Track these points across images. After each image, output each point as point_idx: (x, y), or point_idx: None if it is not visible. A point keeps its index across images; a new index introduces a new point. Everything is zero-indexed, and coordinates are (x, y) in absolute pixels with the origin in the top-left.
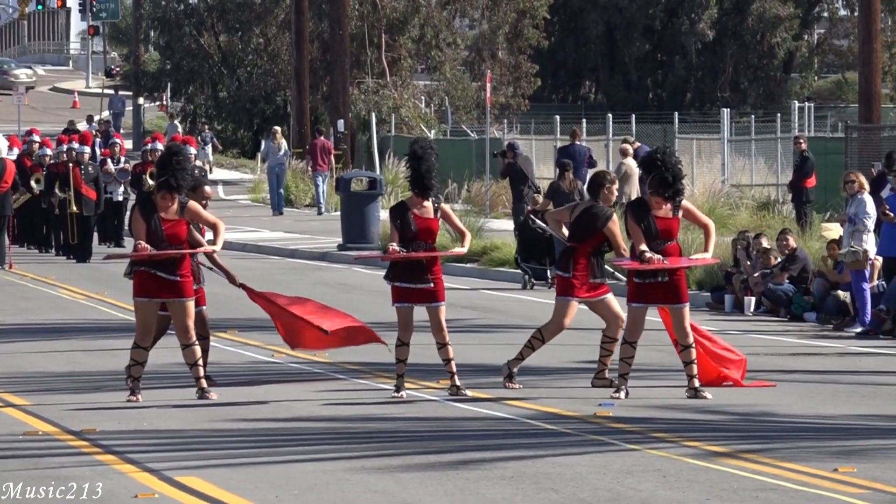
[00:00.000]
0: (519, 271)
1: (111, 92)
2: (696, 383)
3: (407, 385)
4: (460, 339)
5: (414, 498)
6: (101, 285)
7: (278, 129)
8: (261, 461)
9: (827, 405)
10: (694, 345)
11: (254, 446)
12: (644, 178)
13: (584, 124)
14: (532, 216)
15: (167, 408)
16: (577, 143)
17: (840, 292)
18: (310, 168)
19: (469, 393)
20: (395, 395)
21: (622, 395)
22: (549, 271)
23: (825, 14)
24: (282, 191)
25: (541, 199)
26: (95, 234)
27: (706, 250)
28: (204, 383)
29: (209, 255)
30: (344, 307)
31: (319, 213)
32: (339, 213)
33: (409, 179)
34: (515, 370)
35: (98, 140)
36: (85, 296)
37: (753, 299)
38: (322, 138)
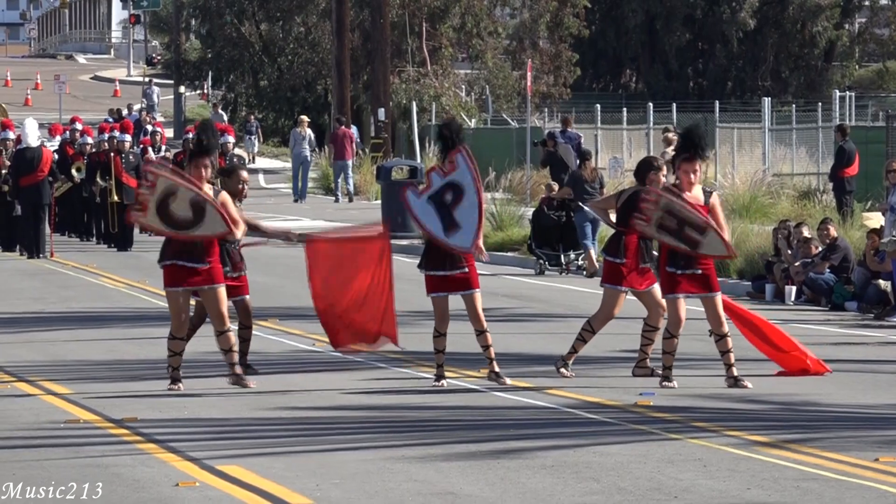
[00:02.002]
0: (542, 259)
1: (146, 80)
2: (735, 371)
3: (447, 374)
4: (501, 328)
5: (454, 487)
6: (142, 274)
7: (304, 118)
8: (302, 450)
9: (868, 395)
10: (729, 333)
11: (295, 435)
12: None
13: (625, 113)
14: (545, 205)
15: (208, 396)
16: (569, 129)
17: (881, 282)
18: (332, 157)
19: (508, 381)
20: (436, 383)
21: (674, 384)
22: (562, 257)
23: (866, 3)
24: (307, 179)
25: (557, 187)
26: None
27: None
28: (238, 369)
29: (256, 231)
30: None
31: (336, 201)
32: (378, 201)
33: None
34: (570, 362)
35: (150, 128)
36: (126, 284)
37: (794, 288)
38: (343, 127)
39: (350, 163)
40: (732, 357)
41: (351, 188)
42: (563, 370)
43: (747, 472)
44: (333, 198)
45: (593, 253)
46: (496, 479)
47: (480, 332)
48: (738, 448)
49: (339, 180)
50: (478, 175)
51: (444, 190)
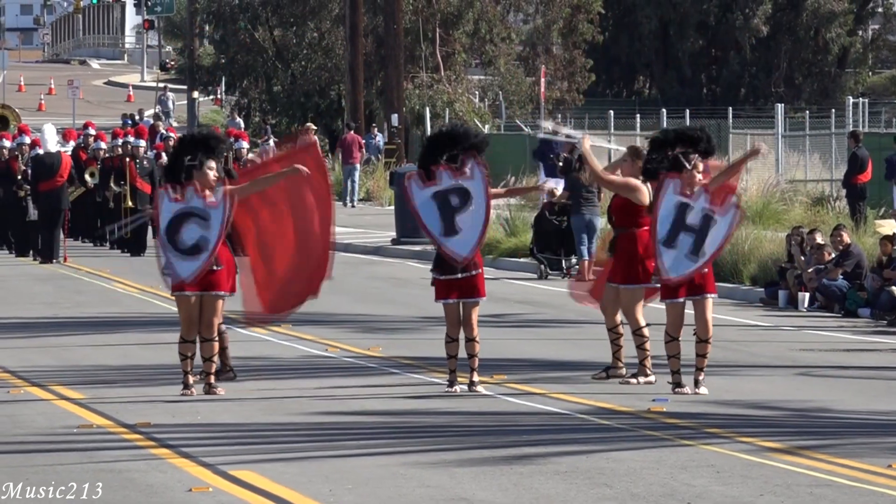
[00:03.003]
0: (543, 263)
1: (161, 86)
2: (701, 376)
3: (460, 379)
4: (514, 333)
5: (467, 492)
6: (155, 279)
7: (310, 125)
8: (315, 455)
9: (881, 401)
10: (711, 340)
11: (308, 440)
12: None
13: (639, 119)
14: (547, 210)
15: (221, 401)
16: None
17: (894, 288)
18: (340, 162)
19: (482, 389)
20: (449, 389)
21: (687, 388)
22: (563, 261)
23: (879, 10)
24: None
25: (559, 192)
26: (150, 228)
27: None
28: (212, 379)
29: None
30: (398, 302)
31: (348, 206)
32: (391, 206)
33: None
34: (621, 368)
35: (164, 133)
36: (139, 289)
37: (807, 295)
38: (352, 133)
39: (357, 167)
40: (704, 362)
41: (356, 194)
42: (631, 379)
43: (760, 479)
44: (343, 203)
45: (586, 262)
46: (509, 485)
47: (470, 340)
48: (751, 454)
49: (347, 183)
50: (490, 188)
51: (452, 192)
